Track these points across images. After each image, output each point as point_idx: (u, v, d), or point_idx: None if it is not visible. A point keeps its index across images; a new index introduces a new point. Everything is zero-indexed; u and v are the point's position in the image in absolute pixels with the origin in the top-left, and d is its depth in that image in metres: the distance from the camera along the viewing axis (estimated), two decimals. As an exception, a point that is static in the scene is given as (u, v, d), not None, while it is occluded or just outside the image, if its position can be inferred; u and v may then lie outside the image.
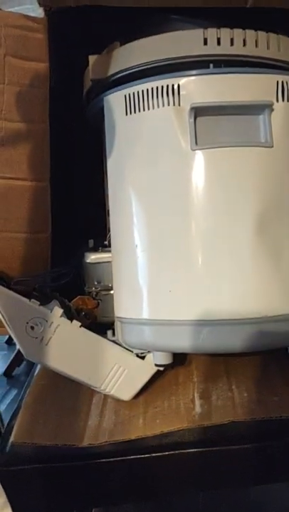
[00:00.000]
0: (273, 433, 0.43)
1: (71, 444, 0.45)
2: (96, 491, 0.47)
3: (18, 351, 1.48)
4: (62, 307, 0.44)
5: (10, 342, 1.60)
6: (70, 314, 0.44)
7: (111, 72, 0.44)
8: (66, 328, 0.44)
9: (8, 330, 0.47)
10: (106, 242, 0.50)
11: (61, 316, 0.43)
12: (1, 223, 0.47)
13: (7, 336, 1.61)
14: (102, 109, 0.45)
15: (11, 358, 1.44)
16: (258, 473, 0.45)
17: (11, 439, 0.46)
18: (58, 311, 0.43)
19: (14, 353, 1.45)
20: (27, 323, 0.42)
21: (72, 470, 0.45)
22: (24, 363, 1.46)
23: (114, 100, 0.44)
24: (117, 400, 0.48)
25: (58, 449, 0.45)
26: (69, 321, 0.44)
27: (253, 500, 0.68)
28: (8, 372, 1.42)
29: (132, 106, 0.42)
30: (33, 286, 0.45)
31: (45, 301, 0.44)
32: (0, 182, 0.45)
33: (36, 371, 0.57)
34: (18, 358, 1.45)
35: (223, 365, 0.51)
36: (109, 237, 0.48)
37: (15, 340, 0.44)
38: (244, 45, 0.41)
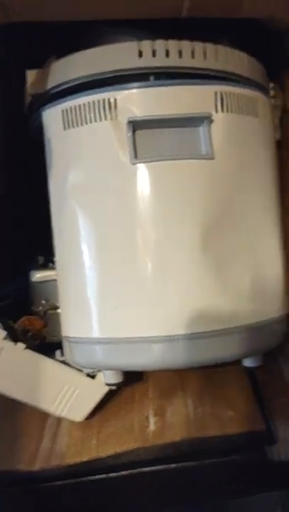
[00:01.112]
0: (227, 449, 0.43)
1: (22, 469, 0.44)
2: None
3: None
4: (5, 329, 0.42)
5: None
6: (14, 336, 0.43)
7: (48, 86, 0.43)
8: (11, 351, 0.42)
9: None
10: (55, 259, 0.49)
11: (4, 339, 0.42)
12: None
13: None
14: (41, 124, 0.44)
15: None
16: (214, 490, 0.45)
17: None
18: (1, 333, 0.42)
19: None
20: None
21: (24, 494, 0.44)
22: None
23: (52, 115, 0.43)
24: (71, 422, 0.47)
25: (8, 473, 0.44)
26: (13, 344, 0.42)
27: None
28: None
29: (69, 121, 0.41)
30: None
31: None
32: None
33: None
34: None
35: (179, 380, 0.50)
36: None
37: None
38: (180, 56, 0.40)
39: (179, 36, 0.41)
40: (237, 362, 0.45)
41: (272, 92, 0.48)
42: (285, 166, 0.48)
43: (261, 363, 0.45)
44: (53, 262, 0.49)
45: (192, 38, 0.41)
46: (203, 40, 0.41)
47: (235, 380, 0.48)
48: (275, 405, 0.46)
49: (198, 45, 0.40)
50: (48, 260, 0.50)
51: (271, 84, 0.49)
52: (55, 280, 0.46)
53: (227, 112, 0.41)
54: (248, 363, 0.45)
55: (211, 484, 0.45)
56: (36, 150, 0.46)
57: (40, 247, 0.50)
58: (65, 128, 0.42)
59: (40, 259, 0.50)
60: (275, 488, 0.47)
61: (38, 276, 0.46)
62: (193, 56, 0.40)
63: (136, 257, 0.41)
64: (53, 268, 0.46)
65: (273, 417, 0.45)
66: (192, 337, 0.41)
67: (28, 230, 0.54)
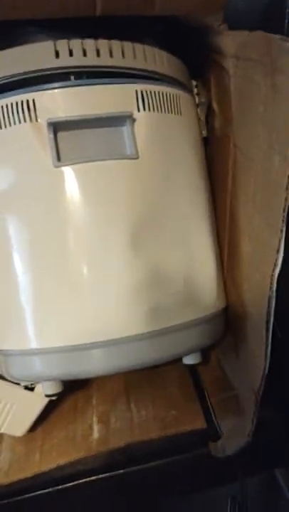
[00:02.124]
0: (172, 449, 0.43)
1: None
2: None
3: None
4: None
5: None
6: None
7: None
8: None
9: None
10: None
11: None
12: None
13: None
14: None
15: None
16: (163, 490, 0.44)
17: None
18: None
19: None
20: None
21: None
22: None
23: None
24: (14, 437, 0.45)
25: None
26: None
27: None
28: None
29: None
30: None
31: None
32: None
33: None
34: None
35: (123, 384, 0.49)
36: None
37: None
38: (98, 55, 0.39)
39: (104, 35, 0.40)
40: (177, 360, 0.45)
41: (195, 90, 0.49)
42: (213, 161, 0.48)
43: (200, 360, 0.45)
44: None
45: (115, 37, 0.40)
46: (125, 38, 0.40)
47: (176, 378, 0.48)
48: (217, 401, 0.47)
49: (116, 44, 0.40)
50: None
51: (194, 82, 0.49)
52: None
53: (149, 110, 0.40)
54: (187, 360, 0.45)
55: (159, 486, 0.44)
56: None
57: None
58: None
59: None
60: (223, 482, 0.47)
61: None
62: (111, 55, 0.40)
63: (68, 262, 0.40)
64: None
65: (216, 413, 0.46)
66: (131, 339, 0.40)
67: None
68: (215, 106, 0.48)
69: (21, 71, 0.39)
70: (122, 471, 0.43)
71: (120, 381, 0.49)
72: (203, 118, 0.50)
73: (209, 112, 0.50)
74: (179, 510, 0.51)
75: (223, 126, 0.47)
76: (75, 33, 0.40)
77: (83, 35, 0.40)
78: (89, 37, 0.39)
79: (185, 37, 0.47)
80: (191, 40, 0.48)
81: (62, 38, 0.40)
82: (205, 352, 0.46)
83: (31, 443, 0.45)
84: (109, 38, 0.40)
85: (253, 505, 0.47)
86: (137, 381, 0.49)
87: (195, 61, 0.49)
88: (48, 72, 0.39)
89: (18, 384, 0.43)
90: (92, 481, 0.43)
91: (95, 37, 0.40)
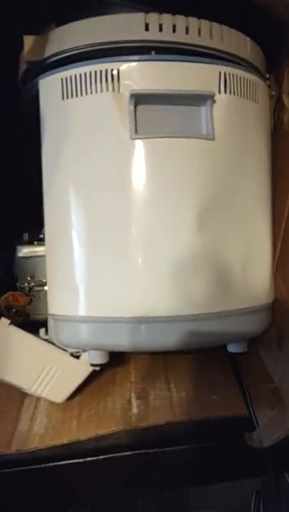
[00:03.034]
0: (211, 433, 0.42)
1: (-2, 451, 0.42)
2: (24, 501, 0.45)
3: None
4: (-11, 304, 0.41)
5: None
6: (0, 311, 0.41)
7: (47, 54, 0.41)
8: (-6, 327, 0.41)
9: None
10: (42, 236, 0.47)
11: (-12, 314, 0.40)
12: None
13: None
14: (37, 93, 0.42)
15: None
16: (195, 474, 0.44)
17: None
18: (-15, 307, 0.40)
19: None
20: None
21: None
22: None
23: (50, 84, 0.41)
24: (50, 403, 0.45)
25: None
26: (-3, 319, 0.41)
27: (191, 503, 0.68)
28: None
29: (68, 90, 0.40)
30: None
31: None
32: None
33: None
34: None
35: (162, 364, 0.49)
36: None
37: None
38: (187, 32, 0.39)
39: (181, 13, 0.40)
40: (221, 347, 0.45)
41: (267, 82, 0.49)
42: (276, 155, 0.48)
43: (246, 350, 0.45)
44: (38, 240, 0.48)
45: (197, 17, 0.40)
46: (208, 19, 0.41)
47: (218, 365, 0.48)
48: (255, 392, 0.47)
49: (205, 23, 0.40)
50: (33, 237, 0.48)
51: (267, 75, 0.49)
52: (42, 256, 0.44)
53: (230, 93, 0.40)
54: (232, 348, 0.45)
55: (193, 469, 0.44)
56: (29, 121, 0.44)
57: (27, 223, 0.48)
58: (63, 98, 0.40)
59: (25, 236, 0.48)
60: (252, 474, 0.47)
61: (24, 251, 0.45)
62: (199, 34, 0.40)
63: (128, 236, 0.40)
64: (40, 244, 0.45)
65: (252, 404, 0.46)
66: (180, 319, 0.40)
67: (18, 206, 0.52)
68: (286, 100, 0.48)
69: (108, 40, 0.40)
70: (158, 449, 0.43)
71: (159, 361, 0.50)
72: (271, 111, 0.50)
73: (277, 106, 0.50)
74: (202, 498, 0.51)
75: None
76: (156, 8, 0.40)
77: (159, 10, 0.40)
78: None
79: (261, 28, 0.47)
80: (267, 32, 0.48)
81: (145, 12, 0.40)
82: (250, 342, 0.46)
83: (68, 411, 0.45)
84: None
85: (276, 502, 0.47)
86: (177, 363, 0.49)
87: (268, 54, 0.49)
88: (135, 44, 0.39)
89: (65, 351, 0.43)
90: (127, 456, 0.43)
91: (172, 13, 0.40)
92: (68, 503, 0.50)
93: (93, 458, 0.43)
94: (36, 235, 0.48)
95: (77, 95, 0.40)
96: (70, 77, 0.40)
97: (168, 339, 0.41)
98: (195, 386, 0.46)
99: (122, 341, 0.41)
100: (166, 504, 0.65)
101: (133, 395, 0.46)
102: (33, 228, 0.49)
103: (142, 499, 0.60)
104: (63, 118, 0.41)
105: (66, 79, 0.40)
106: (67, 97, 0.40)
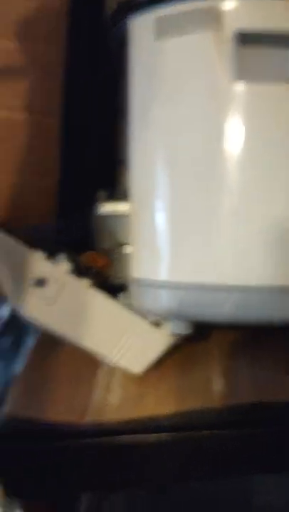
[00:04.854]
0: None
1: (71, 421, 0.39)
2: (96, 474, 0.42)
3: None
4: (71, 262, 0.38)
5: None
6: (79, 271, 0.38)
7: (140, -9, 0.38)
8: (74, 287, 0.38)
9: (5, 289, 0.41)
10: (120, 194, 0.44)
11: (69, 273, 0.38)
12: (2, 164, 0.41)
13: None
14: (127, 34, 0.39)
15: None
16: (282, 460, 0.41)
17: (3, 411, 0.41)
18: (66, 266, 0.38)
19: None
20: (30, 278, 0.37)
21: (71, 449, 0.40)
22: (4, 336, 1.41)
23: (143, 24, 0.38)
24: (126, 374, 0.43)
25: (55, 425, 0.39)
26: (77, 279, 0.38)
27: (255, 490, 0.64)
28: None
29: (163, 30, 0.37)
30: (38, 238, 0.40)
31: (52, 254, 0.38)
32: (4, 114, 0.39)
33: (30, 341, 0.52)
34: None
35: (246, 341, 0.45)
36: (124, 188, 0.42)
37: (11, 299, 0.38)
38: None
39: None
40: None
41: None
42: None
43: None
44: (115, 198, 0.45)
45: None
46: None
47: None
48: None
49: None
50: (110, 196, 0.45)
51: None
52: (123, 215, 0.41)
53: None
54: None
55: (277, 455, 0.40)
56: (113, 67, 0.41)
57: (104, 181, 0.45)
58: (156, 38, 0.37)
59: (102, 194, 0.45)
60: None
61: (106, 209, 0.42)
62: None
63: (221, 196, 0.37)
64: (121, 202, 0.42)
65: None
66: (271, 290, 0.37)
67: (95, 163, 0.49)
68: None
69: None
70: (240, 430, 0.39)
71: (243, 338, 0.46)
72: None
73: None
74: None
75: None
76: None
77: None
78: None
79: None
80: None
81: None
82: None
83: (145, 384, 0.42)
84: None
85: None
86: (264, 341, 0.45)
87: None
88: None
89: (146, 318, 0.40)
90: (206, 435, 0.39)
91: None
92: (139, 479, 0.47)
93: (169, 435, 0.40)
94: (113, 194, 0.45)
95: (173, 35, 0.36)
96: (166, 16, 0.37)
97: (259, 311, 0.38)
98: (282, 367, 0.42)
99: (205, 311, 0.38)
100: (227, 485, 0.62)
101: (216, 373, 0.42)
102: (108, 187, 0.46)
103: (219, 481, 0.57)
104: (156, 61, 0.37)
105: (161, 18, 0.37)
106: (161, 38, 0.37)
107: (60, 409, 0.40)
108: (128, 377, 0.43)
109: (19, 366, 0.48)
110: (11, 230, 0.39)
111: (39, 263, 0.38)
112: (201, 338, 0.46)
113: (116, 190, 0.45)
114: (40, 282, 0.37)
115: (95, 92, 0.47)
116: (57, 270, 0.38)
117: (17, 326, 0.50)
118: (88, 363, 0.44)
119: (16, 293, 0.37)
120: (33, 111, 0.39)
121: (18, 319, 0.42)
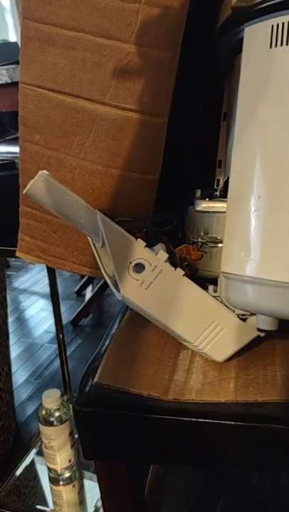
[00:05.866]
0: None
1: (156, 396, 0.43)
2: (172, 451, 0.46)
3: (87, 303, 1.51)
4: (167, 252, 0.41)
5: (79, 293, 1.63)
6: (174, 261, 0.41)
7: (258, -1, 0.39)
8: (169, 275, 0.41)
9: (103, 271, 0.45)
10: (216, 193, 0.46)
11: (166, 262, 0.41)
12: (110, 158, 0.45)
13: (78, 287, 1.65)
14: (240, 41, 0.41)
15: (79, 308, 1.47)
16: None
17: (94, 379, 0.45)
18: (164, 255, 0.41)
19: (83, 304, 1.47)
20: (130, 262, 0.40)
21: (153, 422, 0.43)
22: (91, 315, 1.49)
23: (258, 31, 0.39)
24: (206, 360, 0.45)
25: (141, 398, 0.43)
26: (173, 268, 0.41)
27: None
28: (75, 322, 1.45)
29: (279, 38, 0.37)
30: (136, 229, 0.43)
31: (151, 243, 0.41)
32: (117, 113, 0.43)
33: (118, 319, 0.56)
34: (86, 310, 1.47)
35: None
36: (221, 187, 0.44)
37: (116, 277, 0.42)
38: None
39: None
40: None
41: None
42: None
43: None
44: (211, 197, 0.47)
45: None
46: None
47: None
48: None
49: None
50: (205, 194, 0.47)
51: None
52: (218, 212, 0.43)
53: None
54: None
55: None
56: (219, 72, 0.43)
57: (199, 179, 0.48)
58: (271, 46, 0.38)
59: (198, 192, 0.47)
60: None
61: (204, 205, 0.44)
62: None
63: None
64: (218, 200, 0.44)
65: None
66: None
67: (192, 159, 0.52)
68: None
69: None
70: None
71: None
72: None
73: None
74: None
75: None
76: None
77: None
78: None
79: None
80: None
81: None
82: None
83: (224, 371, 0.44)
84: None
85: None
86: None
87: None
88: None
89: (232, 311, 0.42)
90: (280, 429, 0.41)
91: None
92: (207, 462, 0.50)
93: (244, 423, 0.42)
94: (208, 193, 0.47)
95: (287, 44, 0.37)
96: (283, 24, 0.37)
97: None
98: None
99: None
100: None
101: (279, 369, 0.43)
102: (204, 186, 0.48)
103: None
104: (270, 67, 0.38)
105: (278, 25, 0.38)
106: (276, 45, 0.38)
107: (145, 384, 0.44)
108: (208, 363, 0.45)
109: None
110: (117, 219, 0.43)
111: (140, 250, 0.41)
112: (282, 334, 0.47)
113: (213, 188, 0.47)
114: (139, 267, 0.41)
115: (200, 97, 0.49)
116: (155, 258, 0.41)
117: None
118: (171, 347, 0.47)
119: (117, 274, 0.40)
120: (145, 111, 0.42)
121: None
